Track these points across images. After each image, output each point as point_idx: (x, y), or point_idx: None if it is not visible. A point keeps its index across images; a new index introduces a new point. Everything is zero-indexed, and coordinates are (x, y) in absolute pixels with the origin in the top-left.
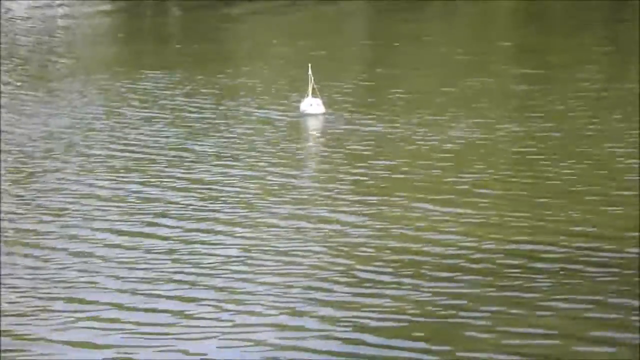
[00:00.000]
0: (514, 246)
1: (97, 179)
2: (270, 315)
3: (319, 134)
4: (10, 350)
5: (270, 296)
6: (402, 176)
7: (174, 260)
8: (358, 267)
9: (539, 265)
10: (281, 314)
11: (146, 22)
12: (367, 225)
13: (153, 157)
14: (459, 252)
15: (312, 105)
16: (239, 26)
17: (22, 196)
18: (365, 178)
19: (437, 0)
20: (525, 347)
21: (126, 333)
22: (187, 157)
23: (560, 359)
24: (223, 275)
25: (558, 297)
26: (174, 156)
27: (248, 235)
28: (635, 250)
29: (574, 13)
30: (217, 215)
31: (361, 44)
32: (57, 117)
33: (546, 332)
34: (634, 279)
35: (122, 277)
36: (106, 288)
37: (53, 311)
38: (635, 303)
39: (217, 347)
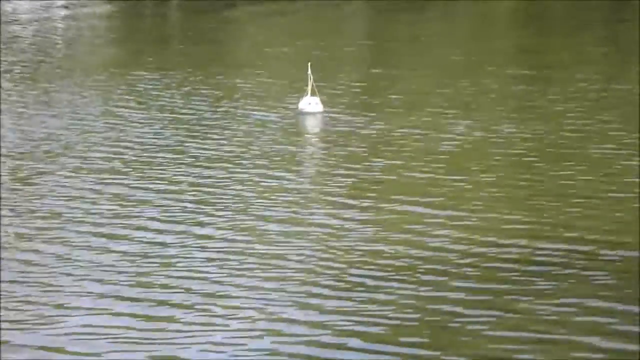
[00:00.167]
0: (511, 248)
1: (95, 180)
2: (265, 318)
3: (316, 133)
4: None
5: (264, 299)
6: (398, 177)
7: (171, 260)
8: (353, 269)
9: (537, 267)
10: (276, 317)
11: (146, 22)
12: (362, 227)
13: (152, 157)
14: (455, 254)
15: (310, 104)
16: (239, 27)
17: (20, 197)
18: (361, 179)
19: (437, 0)
20: (524, 349)
21: (117, 338)
22: (186, 158)
23: None
24: (219, 278)
25: (556, 298)
26: (172, 157)
27: (244, 237)
28: (635, 252)
29: (574, 13)
30: (215, 216)
31: (361, 45)
32: (56, 117)
33: (546, 333)
34: (633, 281)
35: (117, 280)
36: (97, 291)
37: (53, 312)
38: (635, 304)
39: (209, 352)
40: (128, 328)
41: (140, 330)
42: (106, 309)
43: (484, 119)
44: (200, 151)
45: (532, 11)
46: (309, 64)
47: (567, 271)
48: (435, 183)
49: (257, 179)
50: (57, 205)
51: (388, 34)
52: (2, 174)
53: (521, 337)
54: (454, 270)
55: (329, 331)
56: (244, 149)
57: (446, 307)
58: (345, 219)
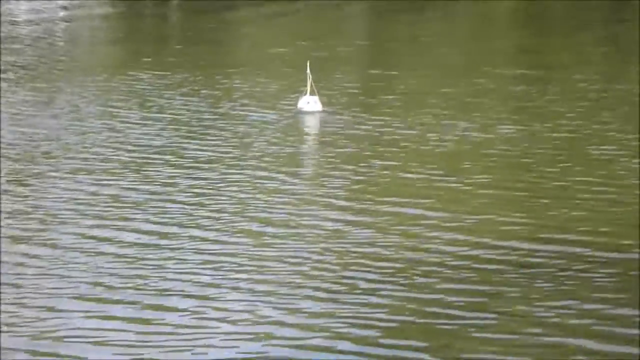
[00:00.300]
0: (510, 249)
1: (94, 181)
2: (261, 320)
3: (314, 133)
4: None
5: (260, 301)
6: (396, 177)
7: (169, 261)
8: (350, 271)
9: (536, 268)
10: (271, 319)
11: (146, 23)
12: (360, 228)
13: (152, 158)
14: (453, 255)
15: (309, 103)
16: (239, 28)
17: (18, 198)
18: (359, 179)
19: (437, 0)
20: (522, 352)
21: (113, 340)
22: (184, 158)
23: None
24: (217, 279)
25: (557, 299)
26: (172, 157)
27: (241, 238)
28: (635, 253)
29: (574, 13)
30: (213, 216)
31: (360, 45)
32: (55, 118)
33: (544, 335)
34: (632, 282)
35: (116, 281)
36: (93, 294)
37: (52, 310)
38: (635, 305)
39: (203, 355)
40: (124, 331)
41: (137, 332)
42: (104, 310)
43: (483, 119)
44: (199, 151)
45: (532, 11)
46: (308, 63)
47: (566, 273)
48: (433, 183)
49: (255, 178)
50: (56, 206)
51: (388, 34)
52: (0, 174)
53: (519, 339)
54: (451, 272)
55: (325, 334)
56: (242, 149)
57: (443, 309)
58: (342, 219)
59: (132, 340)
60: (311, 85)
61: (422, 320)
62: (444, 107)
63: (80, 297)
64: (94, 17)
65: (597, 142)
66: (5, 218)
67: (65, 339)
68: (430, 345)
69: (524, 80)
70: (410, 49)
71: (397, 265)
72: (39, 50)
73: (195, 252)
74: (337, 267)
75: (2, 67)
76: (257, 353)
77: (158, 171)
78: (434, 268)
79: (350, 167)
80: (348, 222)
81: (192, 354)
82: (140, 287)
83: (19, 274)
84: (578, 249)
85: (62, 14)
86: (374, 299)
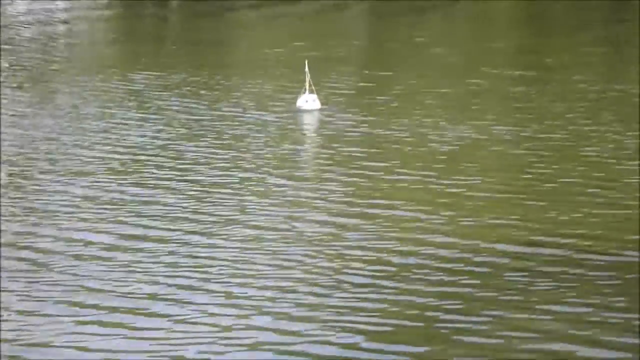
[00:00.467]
0: (510, 249)
1: (92, 181)
2: (263, 319)
3: (313, 132)
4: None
5: (263, 300)
6: (395, 177)
7: (167, 264)
8: (352, 270)
9: (537, 268)
10: (275, 317)
11: (146, 24)
12: (358, 227)
13: (150, 158)
14: (454, 255)
15: (307, 101)
16: (239, 28)
17: (18, 198)
18: (358, 179)
19: (437, 0)
20: (523, 351)
21: (119, 337)
22: (183, 157)
23: None
24: (216, 278)
25: (556, 300)
26: (171, 157)
27: (241, 238)
28: (635, 253)
29: (574, 13)
30: (211, 217)
31: (360, 45)
32: (54, 118)
33: (544, 335)
34: (633, 282)
35: (115, 281)
36: (99, 291)
37: (49, 315)
38: (635, 305)
39: (211, 352)
40: (122, 331)
41: (138, 329)
42: (101, 311)
43: (483, 119)
44: (198, 151)
45: (532, 11)
46: (306, 61)
47: (566, 273)
48: (432, 182)
49: (254, 177)
50: (55, 206)
51: (387, 34)
52: (0, 174)
53: (522, 335)
54: (450, 272)
55: (333, 330)
56: (241, 147)
57: (443, 310)
58: (338, 220)
59: (137, 336)
60: (310, 84)
61: (417, 324)
62: (443, 107)
63: (82, 297)
64: (94, 17)
65: (597, 142)
66: (4, 218)
67: (68, 338)
68: (426, 348)
69: (523, 81)
70: (410, 49)
71: (391, 267)
72: (39, 51)
73: (196, 252)
74: (331, 270)
75: (2, 68)
76: (249, 358)
77: (158, 171)
78: (430, 270)
79: (347, 166)
80: (344, 223)
81: (194, 353)
82: (142, 286)
83: (19, 273)
84: (577, 251)
85: (62, 14)
86: (369, 302)
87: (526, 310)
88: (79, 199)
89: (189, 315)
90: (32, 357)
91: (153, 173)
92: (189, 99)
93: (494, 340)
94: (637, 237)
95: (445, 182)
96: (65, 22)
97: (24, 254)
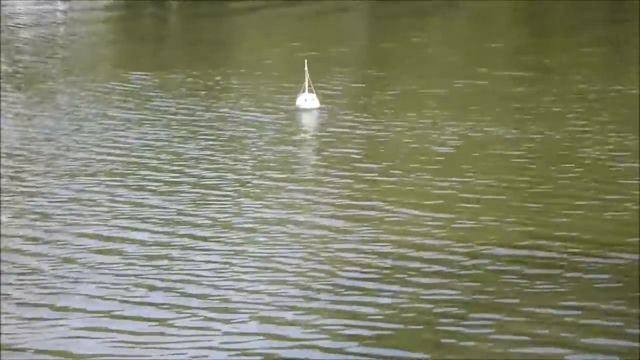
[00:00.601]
0: (508, 251)
1: (92, 181)
2: (258, 321)
3: (312, 130)
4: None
5: (257, 303)
6: (394, 176)
7: (164, 266)
8: (347, 273)
9: (535, 270)
10: (270, 319)
11: (145, 24)
12: (358, 227)
13: (151, 158)
14: (451, 257)
15: (306, 100)
16: (238, 29)
17: (17, 198)
18: (355, 180)
19: (437, 0)
20: (519, 355)
21: (113, 341)
22: (182, 157)
23: None
24: (212, 281)
25: (554, 303)
26: (171, 156)
27: (237, 240)
28: (634, 255)
29: (574, 13)
30: (211, 215)
31: (360, 46)
32: (54, 118)
33: (543, 337)
34: (632, 284)
35: (111, 283)
36: (94, 294)
37: (42, 319)
38: (635, 305)
39: (203, 356)
40: (123, 331)
41: (137, 333)
42: (101, 311)
43: (482, 119)
44: (197, 150)
45: (532, 11)
46: (306, 61)
47: (566, 273)
48: (430, 183)
49: (254, 177)
50: (55, 207)
51: (387, 35)
52: (0, 174)
53: (519, 339)
54: (450, 273)
55: (324, 334)
56: (240, 146)
57: (443, 310)
58: (340, 219)
59: (137, 340)
60: (309, 83)
61: (413, 327)
62: (443, 107)
63: (81, 297)
64: (94, 18)
65: (597, 143)
66: (4, 218)
67: (69, 339)
68: (420, 353)
69: (522, 81)
70: (409, 49)
71: (387, 270)
72: (38, 51)
73: (195, 252)
74: (327, 273)
75: (2, 68)
76: (257, 354)
77: (157, 172)
78: (432, 269)
79: (345, 166)
80: (341, 224)
81: (195, 354)
82: (142, 287)
83: (18, 274)
84: (577, 251)
85: (61, 14)
86: (375, 299)
87: (523, 314)
88: (78, 199)
89: (183, 319)
90: (32, 348)
91: (153, 173)
92: (189, 99)
93: (490, 344)
94: (637, 239)
95: (443, 183)
96: (65, 22)
97: (22, 259)
